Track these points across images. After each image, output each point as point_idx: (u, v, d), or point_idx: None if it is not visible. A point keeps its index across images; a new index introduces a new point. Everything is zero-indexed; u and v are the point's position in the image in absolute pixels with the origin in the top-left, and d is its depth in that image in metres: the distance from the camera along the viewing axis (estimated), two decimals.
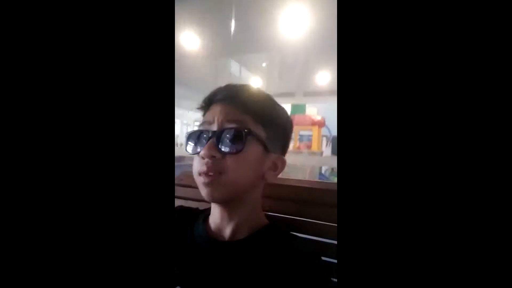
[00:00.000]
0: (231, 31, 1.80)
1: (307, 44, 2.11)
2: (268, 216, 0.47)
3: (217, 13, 1.80)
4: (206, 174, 0.38)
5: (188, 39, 2.22)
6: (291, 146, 2.46)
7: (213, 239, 0.42)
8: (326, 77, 2.62)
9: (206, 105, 0.44)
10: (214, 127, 0.40)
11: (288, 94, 3.06)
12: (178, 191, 0.68)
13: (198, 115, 0.47)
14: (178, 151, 0.99)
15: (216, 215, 0.43)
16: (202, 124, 0.42)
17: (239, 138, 0.38)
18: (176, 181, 0.71)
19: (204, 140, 0.40)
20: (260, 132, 0.41)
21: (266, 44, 2.29)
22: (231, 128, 0.39)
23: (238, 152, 0.38)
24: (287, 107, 3.17)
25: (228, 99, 0.42)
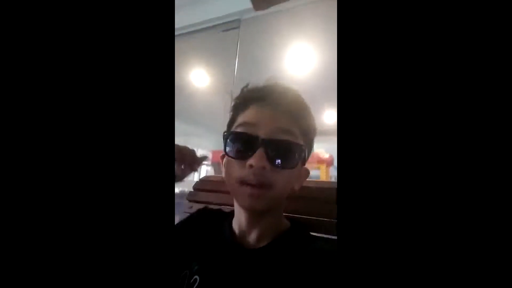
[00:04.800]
0: (235, 68, 1.84)
1: (312, 83, 2.13)
2: (287, 217, 0.45)
3: (222, 50, 1.85)
4: (253, 185, 0.35)
5: (195, 77, 2.29)
6: None
7: (238, 244, 0.41)
8: (333, 116, 2.57)
9: (243, 104, 0.40)
10: (262, 134, 0.36)
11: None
12: (200, 196, 0.69)
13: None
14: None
15: (242, 220, 0.41)
16: (242, 125, 0.38)
17: (293, 153, 0.36)
18: (196, 186, 0.71)
19: (249, 146, 0.36)
20: (305, 145, 0.39)
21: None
22: (285, 141, 0.36)
23: (292, 168, 0.36)
24: None
25: (274, 103, 0.38)
